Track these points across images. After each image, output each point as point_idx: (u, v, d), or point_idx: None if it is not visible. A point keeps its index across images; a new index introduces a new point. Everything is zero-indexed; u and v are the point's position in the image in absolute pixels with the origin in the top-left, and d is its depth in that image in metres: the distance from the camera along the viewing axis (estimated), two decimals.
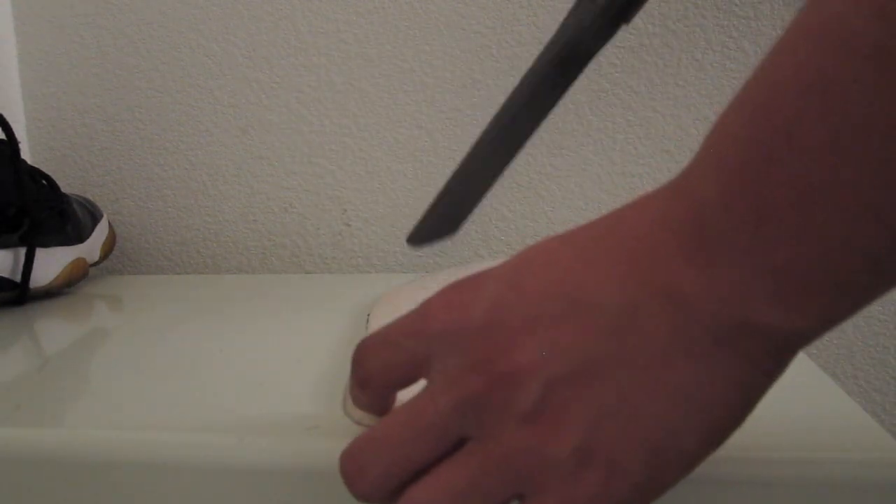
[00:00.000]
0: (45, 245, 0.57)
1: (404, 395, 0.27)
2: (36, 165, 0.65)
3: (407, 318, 0.25)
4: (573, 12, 0.40)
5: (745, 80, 0.22)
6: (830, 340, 0.66)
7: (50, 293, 0.58)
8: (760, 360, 0.22)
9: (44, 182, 0.59)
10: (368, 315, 0.44)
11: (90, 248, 0.62)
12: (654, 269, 0.22)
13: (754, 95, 0.21)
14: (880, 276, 0.20)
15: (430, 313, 0.24)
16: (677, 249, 0.22)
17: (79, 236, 0.61)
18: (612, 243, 0.23)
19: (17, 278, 0.54)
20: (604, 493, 0.22)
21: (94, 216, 0.64)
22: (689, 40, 0.63)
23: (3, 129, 0.54)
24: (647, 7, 0.63)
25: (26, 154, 0.72)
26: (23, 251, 0.54)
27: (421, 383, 0.25)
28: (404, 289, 0.48)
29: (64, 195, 0.60)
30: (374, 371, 0.26)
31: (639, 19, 0.63)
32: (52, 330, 0.51)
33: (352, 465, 0.25)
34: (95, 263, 0.63)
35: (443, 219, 0.44)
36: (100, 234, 0.64)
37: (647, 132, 0.65)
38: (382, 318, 0.42)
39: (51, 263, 0.57)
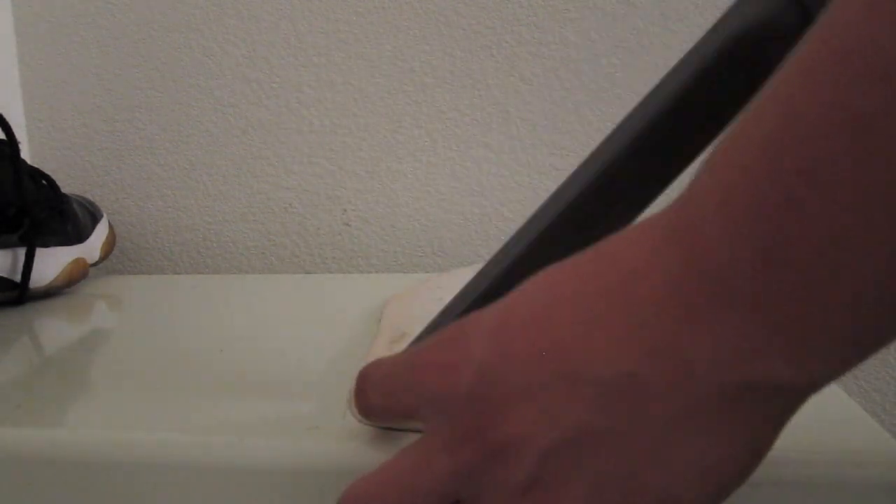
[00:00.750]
0: (45, 245, 0.57)
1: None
2: (36, 165, 0.65)
3: (400, 366, 0.25)
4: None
5: (749, 105, 0.19)
6: None
7: (50, 293, 0.58)
8: (771, 416, 0.21)
9: (44, 182, 0.59)
10: (381, 315, 0.44)
11: (90, 248, 0.62)
12: (657, 336, 0.20)
13: (769, 123, 0.18)
14: None
15: (420, 375, 0.24)
16: (677, 309, 0.20)
17: (79, 236, 0.61)
18: (608, 302, 0.21)
19: (17, 278, 0.54)
20: None
21: (94, 216, 0.64)
22: (689, 40, 0.63)
23: (3, 129, 0.54)
24: (646, 7, 0.63)
25: (26, 154, 0.72)
26: (23, 251, 0.54)
27: None
28: (413, 288, 0.48)
29: (64, 195, 0.60)
30: (375, 407, 0.27)
31: (639, 19, 0.63)
32: (52, 330, 0.51)
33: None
34: (95, 263, 0.63)
35: None
36: (100, 234, 0.64)
37: None
38: (391, 316, 0.42)
39: (51, 263, 0.57)
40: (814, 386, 0.20)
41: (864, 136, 0.16)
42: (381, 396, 0.26)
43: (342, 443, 0.30)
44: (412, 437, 0.29)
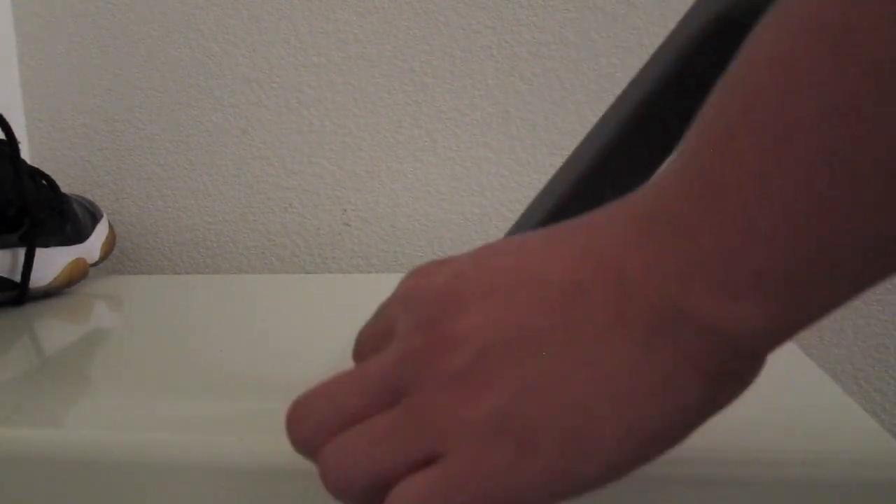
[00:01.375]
0: (45, 245, 0.57)
1: None
2: (36, 165, 0.65)
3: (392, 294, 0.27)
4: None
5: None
6: (830, 340, 0.66)
7: (50, 293, 0.58)
8: (698, 357, 0.20)
9: (44, 182, 0.59)
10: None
11: (90, 248, 0.62)
12: (606, 250, 0.22)
13: (728, 75, 0.20)
14: (842, 280, 0.19)
15: (404, 283, 0.26)
16: (631, 231, 0.21)
17: (79, 236, 0.61)
18: (577, 229, 0.23)
19: (17, 278, 0.54)
20: (511, 469, 0.21)
21: (94, 216, 0.64)
22: None
23: (3, 129, 0.54)
24: (646, 7, 0.63)
25: (26, 154, 0.72)
26: (23, 251, 0.54)
27: None
28: None
29: (64, 195, 0.60)
30: (362, 341, 0.28)
31: (639, 19, 0.63)
32: (52, 330, 0.51)
33: (294, 413, 0.25)
34: (95, 263, 0.63)
35: None
36: (100, 234, 0.64)
37: None
38: None
39: (51, 263, 0.57)
40: (749, 337, 0.20)
41: (789, 75, 0.18)
42: (372, 320, 0.28)
43: None
44: None
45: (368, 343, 0.27)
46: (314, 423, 0.24)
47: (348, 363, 0.37)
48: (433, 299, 0.23)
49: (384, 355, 0.24)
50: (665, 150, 0.31)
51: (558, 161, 0.66)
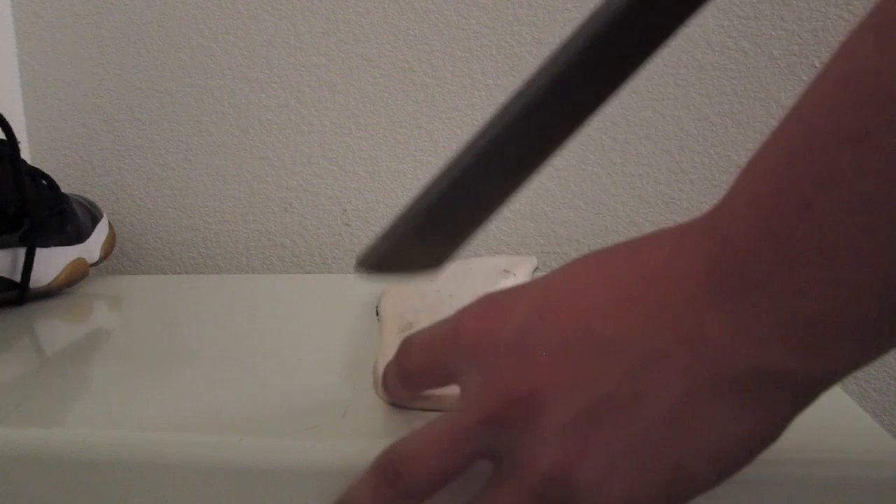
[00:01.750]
0: (45, 245, 0.57)
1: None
2: (36, 165, 0.65)
3: (445, 324, 0.27)
4: None
5: (782, 118, 0.22)
6: None
7: (50, 293, 0.58)
8: (781, 406, 0.22)
9: (44, 182, 0.59)
10: (377, 306, 0.45)
11: (90, 248, 0.62)
12: (683, 316, 0.22)
13: (790, 139, 0.21)
14: None
15: (463, 327, 0.26)
16: (707, 296, 0.22)
17: (79, 236, 0.61)
18: (644, 284, 0.23)
19: (17, 278, 0.54)
20: None
21: (94, 216, 0.65)
22: (689, 40, 0.63)
23: (3, 129, 0.54)
24: None
25: (26, 154, 0.72)
26: (23, 251, 0.54)
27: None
28: (406, 284, 0.48)
29: (64, 195, 0.60)
30: (414, 370, 0.29)
31: None
32: (52, 330, 0.51)
33: (390, 471, 0.26)
34: (95, 263, 0.63)
35: (420, 242, 0.30)
36: (100, 234, 0.64)
37: (647, 132, 0.65)
38: (391, 308, 0.43)
39: (51, 263, 0.57)
40: (820, 381, 0.22)
41: (866, 151, 0.18)
42: (423, 353, 0.28)
43: (342, 443, 0.30)
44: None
45: (422, 374, 0.28)
46: (411, 484, 0.25)
47: (348, 363, 0.37)
48: (503, 357, 0.24)
49: (464, 414, 0.25)
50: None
51: (558, 161, 0.66)
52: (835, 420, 0.32)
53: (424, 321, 0.39)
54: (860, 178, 0.19)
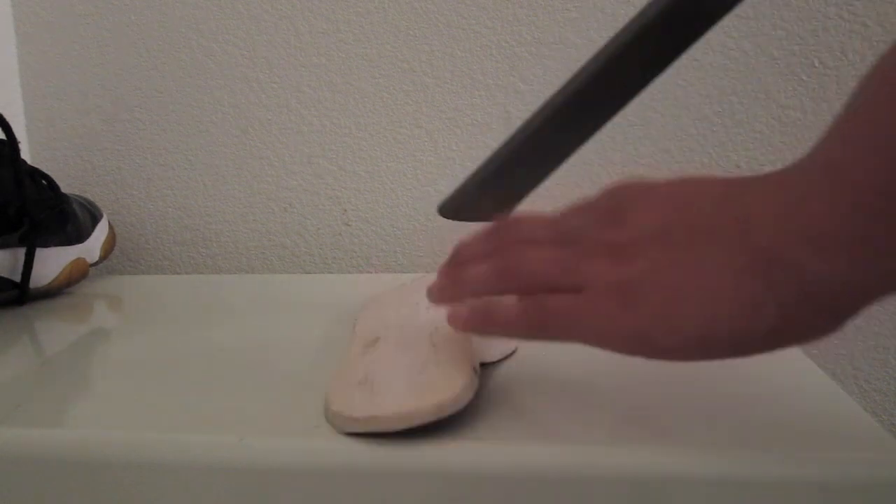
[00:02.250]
0: (45, 245, 0.57)
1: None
2: (36, 165, 0.65)
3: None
4: None
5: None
6: (830, 340, 0.66)
7: (50, 293, 0.58)
8: (780, 290, 0.25)
9: (44, 182, 0.59)
10: (356, 320, 0.45)
11: (90, 248, 0.62)
12: (750, 200, 0.27)
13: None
14: None
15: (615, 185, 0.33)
16: (771, 191, 0.27)
17: (79, 236, 0.61)
18: (756, 181, 0.28)
19: (17, 278, 0.54)
20: (613, 316, 0.29)
21: (94, 216, 0.65)
22: None
23: (3, 129, 0.54)
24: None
25: (26, 154, 0.72)
26: (23, 251, 0.54)
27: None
28: (389, 293, 0.48)
29: (64, 195, 0.60)
30: (605, 195, 0.34)
31: None
32: (52, 330, 0.51)
33: (508, 223, 0.35)
34: (95, 263, 0.63)
35: (490, 194, 0.38)
36: (100, 234, 0.64)
37: (647, 132, 0.65)
38: (365, 323, 0.42)
39: (51, 263, 0.57)
40: (822, 284, 0.25)
41: None
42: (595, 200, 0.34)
43: (342, 443, 0.30)
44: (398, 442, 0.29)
45: (581, 211, 0.34)
46: (520, 234, 0.34)
47: (348, 363, 0.37)
48: (631, 194, 0.31)
49: (584, 216, 0.33)
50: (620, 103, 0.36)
51: None
52: (835, 420, 0.32)
53: (393, 335, 0.38)
54: None
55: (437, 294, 0.35)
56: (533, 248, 0.32)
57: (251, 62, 0.69)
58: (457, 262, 0.36)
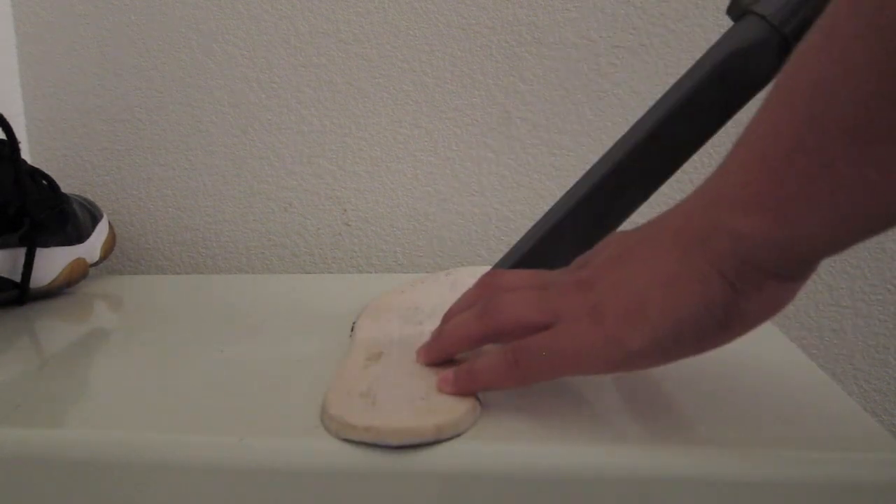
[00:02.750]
0: (45, 245, 0.57)
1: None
2: (36, 165, 0.65)
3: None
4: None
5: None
6: (830, 340, 0.66)
7: (50, 293, 0.58)
8: (722, 261, 0.27)
9: (44, 182, 0.59)
10: (354, 324, 0.44)
11: (90, 248, 0.62)
12: (692, 206, 0.29)
13: (785, 83, 0.26)
14: (836, 207, 0.24)
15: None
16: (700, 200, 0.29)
17: (79, 236, 0.61)
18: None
19: (17, 278, 0.54)
20: (584, 334, 0.30)
21: (94, 216, 0.65)
22: (689, 40, 0.63)
23: (3, 129, 0.54)
24: (646, 7, 0.63)
25: (26, 154, 0.72)
26: (23, 251, 0.54)
27: None
28: (389, 299, 0.48)
29: (64, 195, 0.60)
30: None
31: (639, 19, 0.63)
32: (52, 330, 0.51)
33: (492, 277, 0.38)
34: (95, 263, 0.63)
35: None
36: (100, 234, 0.64)
37: None
38: (367, 330, 0.42)
39: (51, 263, 0.57)
40: (766, 247, 0.26)
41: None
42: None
43: (342, 443, 0.30)
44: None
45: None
46: (500, 284, 0.36)
47: (349, 373, 0.37)
48: (596, 248, 0.34)
49: (559, 270, 0.35)
50: (668, 173, 0.38)
51: (558, 161, 0.66)
52: (835, 420, 0.32)
53: (397, 352, 0.38)
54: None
55: (425, 353, 0.36)
56: (511, 293, 0.34)
57: (251, 62, 0.69)
58: (444, 320, 0.38)
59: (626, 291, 0.29)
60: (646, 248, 0.30)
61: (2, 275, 0.53)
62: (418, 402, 0.32)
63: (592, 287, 0.31)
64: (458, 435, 0.30)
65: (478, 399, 0.33)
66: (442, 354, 0.36)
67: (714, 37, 0.63)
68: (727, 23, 0.38)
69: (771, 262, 0.27)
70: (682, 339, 0.28)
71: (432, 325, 0.39)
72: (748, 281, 0.27)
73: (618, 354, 0.29)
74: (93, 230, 0.63)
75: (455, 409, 0.31)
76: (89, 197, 0.71)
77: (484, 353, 0.34)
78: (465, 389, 0.33)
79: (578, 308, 0.31)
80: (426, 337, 0.38)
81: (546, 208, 0.67)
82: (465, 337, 0.35)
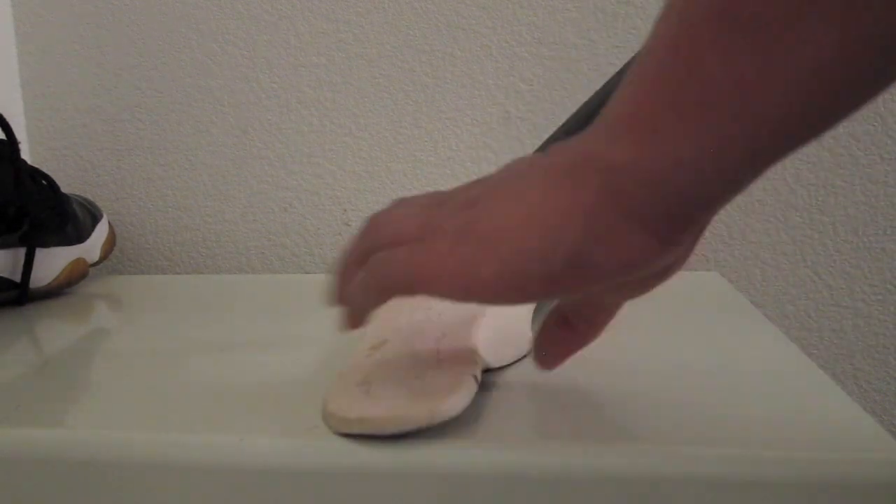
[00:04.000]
0: (45, 245, 0.57)
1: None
2: (36, 165, 0.65)
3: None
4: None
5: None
6: (830, 340, 0.66)
7: (50, 293, 0.58)
8: (586, 195, 0.24)
9: (44, 182, 0.59)
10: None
11: (90, 248, 0.62)
12: (580, 143, 0.27)
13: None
14: (709, 112, 0.22)
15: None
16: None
17: (79, 236, 0.61)
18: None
19: (17, 278, 0.54)
20: (444, 253, 0.28)
21: (94, 216, 0.65)
22: None
23: (3, 129, 0.54)
24: (646, 7, 0.63)
25: (26, 154, 0.72)
26: (23, 251, 0.54)
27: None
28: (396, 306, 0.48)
29: (64, 195, 0.60)
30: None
31: (639, 19, 0.63)
32: (52, 330, 0.51)
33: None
34: (95, 263, 0.63)
35: None
36: (100, 234, 0.64)
37: None
38: (381, 322, 0.42)
39: (51, 263, 0.57)
40: (633, 171, 0.24)
41: None
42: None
43: (342, 443, 0.30)
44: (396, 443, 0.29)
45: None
46: (401, 202, 0.34)
47: (353, 364, 0.37)
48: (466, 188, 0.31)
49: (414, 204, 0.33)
50: None
51: None
52: (835, 420, 0.32)
53: (401, 339, 0.38)
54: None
55: (327, 293, 0.34)
56: (400, 209, 0.32)
57: (251, 62, 0.69)
58: None
59: (494, 216, 0.27)
60: (529, 177, 0.27)
61: (2, 275, 0.53)
62: (413, 382, 0.32)
63: (474, 206, 0.28)
64: (455, 416, 0.30)
65: (475, 378, 0.33)
66: (334, 285, 0.33)
67: None
68: None
69: (641, 200, 0.24)
70: (531, 275, 0.26)
71: (441, 309, 0.39)
72: (611, 217, 0.24)
73: (468, 280, 0.27)
74: (93, 230, 0.63)
75: (449, 389, 0.31)
76: (89, 197, 0.71)
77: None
78: (350, 320, 0.32)
79: (450, 226, 0.28)
80: (432, 322, 0.38)
81: None
82: (347, 255, 0.33)
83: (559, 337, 0.33)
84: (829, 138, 0.63)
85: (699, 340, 0.42)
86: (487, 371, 0.37)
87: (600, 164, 0.24)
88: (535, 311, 0.43)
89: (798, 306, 0.66)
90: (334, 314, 0.34)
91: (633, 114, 0.23)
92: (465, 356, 0.35)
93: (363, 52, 0.67)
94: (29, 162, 0.59)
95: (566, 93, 0.65)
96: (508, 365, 0.39)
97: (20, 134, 0.71)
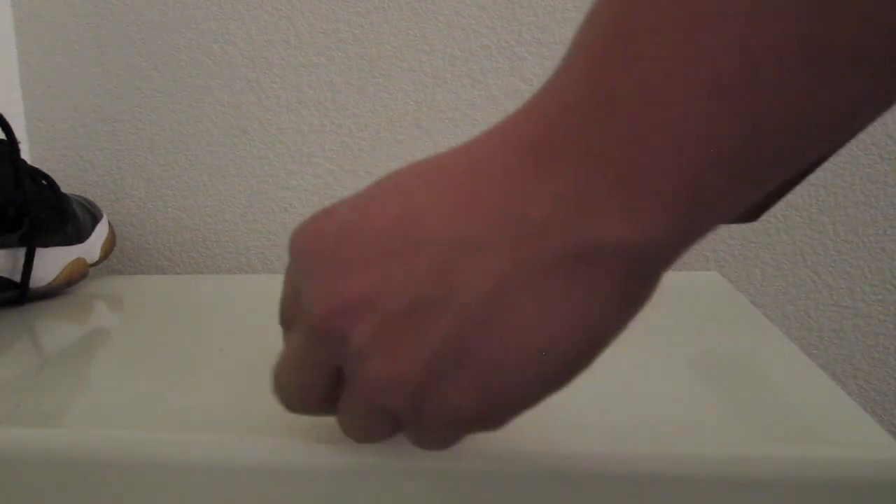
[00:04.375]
0: (45, 245, 0.57)
1: None
2: (36, 165, 0.65)
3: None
4: None
5: None
6: (830, 340, 0.66)
7: (50, 293, 0.58)
8: (609, 283, 0.20)
9: (44, 182, 0.59)
10: None
11: (90, 248, 0.62)
12: (498, 193, 0.20)
13: (605, 9, 0.19)
14: (736, 179, 0.18)
15: (293, 241, 0.24)
16: (522, 165, 0.20)
17: (79, 236, 0.61)
18: (458, 168, 0.21)
19: (17, 278, 0.54)
20: (443, 434, 0.23)
21: (94, 216, 0.65)
22: None
23: (3, 129, 0.54)
24: None
25: (26, 154, 0.72)
26: (23, 251, 0.54)
27: None
28: None
29: (64, 195, 0.60)
30: (283, 312, 0.28)
31: None
32: (52, 330, 0.51)
33: (278, 392, 0.28)
34: (95, 263, 0.63)
35: None
36: (100, 234, 0.64)
37: None
38: None
39: (51, 263, 0.57)
40: (655, 249, 0.19)
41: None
42: (285, 285, 0.27)
43: (342, 443, 0.30)
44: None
45: (289, 312, 0.27)
46: (296, 402, 0.28)
47: None
48: (323, 265, 0.23)
49: (298, 331, 0.25)
50: None
51: None
52: (835, 420, 0.32)
53: None
54: (679, 21, 0.17)
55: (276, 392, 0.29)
56: (343, 414, 0.26)
57: (251, 62, 0.69)
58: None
59: (473, 368, 0.21)
60: (470, 294, 0.20)
61: (2, 275, 0.53)
62: None
63: (399, 357, 0.22)
64: None
65: None
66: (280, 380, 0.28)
67: None
68: None
69: (659, 260, 0.20)
70: (561, 383, 0.22)
71: None
72: (636, 287, 0.21)
73: (483, 428, 0.23)
74: (93, 230, 0.63)
75: None
76: (89, 197, 0.71)
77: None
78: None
79: (397, 395, 0.22)
80: None
81: None
82: (284, 319, 0.28)
83: None
84: None
85: (699, 340, 0.42)
86: None
87: (622, 247, 0.19)
88: None
89: (798, 306, 0.66)
90: None
91: (657, 192, 0.19)
92: None
93: (363, 52, 0.67)
94: (29, 162, 0.59)
95: None
96: None
97: (20, 134, 0.71)
